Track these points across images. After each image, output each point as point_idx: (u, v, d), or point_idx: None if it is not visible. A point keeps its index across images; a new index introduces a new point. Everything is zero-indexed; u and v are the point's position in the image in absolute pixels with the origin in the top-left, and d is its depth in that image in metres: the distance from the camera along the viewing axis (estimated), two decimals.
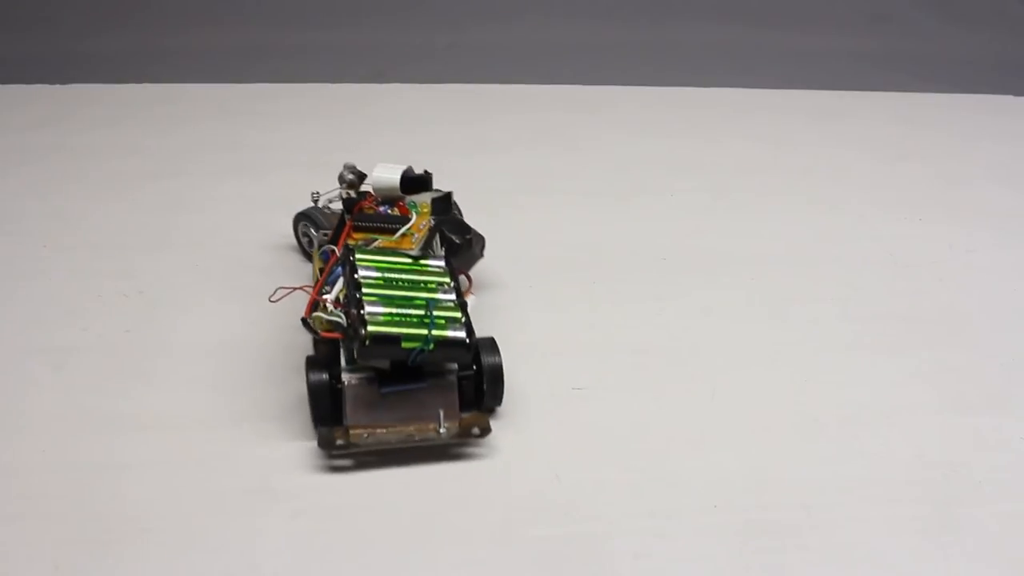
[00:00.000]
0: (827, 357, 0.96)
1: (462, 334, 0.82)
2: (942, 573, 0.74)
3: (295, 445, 0.84)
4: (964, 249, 1.15)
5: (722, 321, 1.01)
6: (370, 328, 0.80)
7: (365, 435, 0.81)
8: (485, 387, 0.85)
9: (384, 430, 0.82)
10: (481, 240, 1.01)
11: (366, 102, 1.51)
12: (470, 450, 0.83)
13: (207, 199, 1.21)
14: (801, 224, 1.19)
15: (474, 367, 0.86)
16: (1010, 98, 1.60)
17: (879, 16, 1.80)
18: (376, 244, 0.94)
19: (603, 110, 1.36)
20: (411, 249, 0.92)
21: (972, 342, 0.99)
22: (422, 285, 0.87)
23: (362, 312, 0.81)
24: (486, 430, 0.82)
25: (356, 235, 0.96)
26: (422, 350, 0.80)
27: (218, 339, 0.96)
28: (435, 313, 0.83)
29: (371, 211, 0.98)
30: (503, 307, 1.02)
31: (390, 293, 0.85)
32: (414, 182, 1.00)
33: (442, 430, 0.82)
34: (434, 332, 0.81)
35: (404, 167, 1.00)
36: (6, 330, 0.97)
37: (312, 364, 0.83)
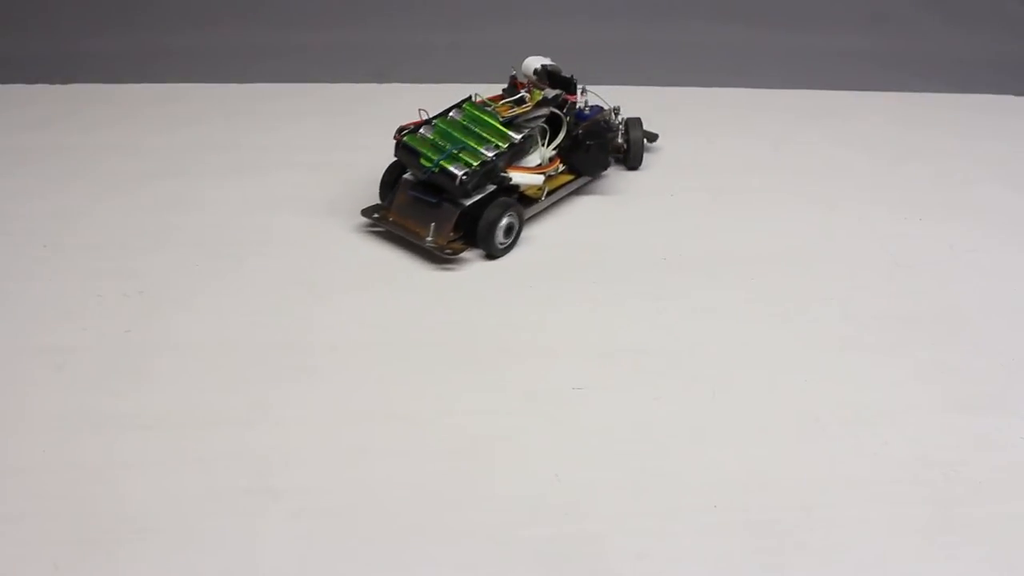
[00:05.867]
0: (827, 357, 0.96)
1: (459, 172, 1.05)
2: (942, 573, 0.74)
3: (297, 445, 0.84)
4: (964, 249, 1.15)
5: (722, 321, 1.01)
6: (405, 138, 1.10)
7: (390, 218, 1.11)
8: (478, 231, 1.08)
9: (400, 220, 1.10)
10: (603, 161, 1.23)
11: (366, 102, 1.51)
12: (470, 449, 0.83)
13: (207, 199, 1.21)
14: (801, 224, 1.19)
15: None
16: (1010, 98, 1.60)
17: (879, 16, 1.79)
18: (494, 107, 1.15)
19: None
20: (504, 115, 1.13)
21: (972, 342, 0.99)
22: (484, 139, 1.10)
23: (415, 132, 1.10)
24: (456, 252, 1.08)
25: (496, 99, 1.18)
26: (429, 170, 1.06)
27: (218, 339, 0.96)
28: (460, 155, 1.07)
29: (519, 89, 1.20)
30: (503, 307, 1.02)
31: (454, 132, 1.10)
32: (557, 79, 1.21)
33: (429, 238, 1.07)
34: (442, 162, 1.06)
35: (546, 62, 1.22)
36: (6, 330, 0.97)
37: (393, 167, 1.14)
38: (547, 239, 1.15)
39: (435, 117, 1.13)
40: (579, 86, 1.23)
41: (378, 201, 1.15)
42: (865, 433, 0.87)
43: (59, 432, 0.84)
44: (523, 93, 1.18)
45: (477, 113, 1.13)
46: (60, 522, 0.76)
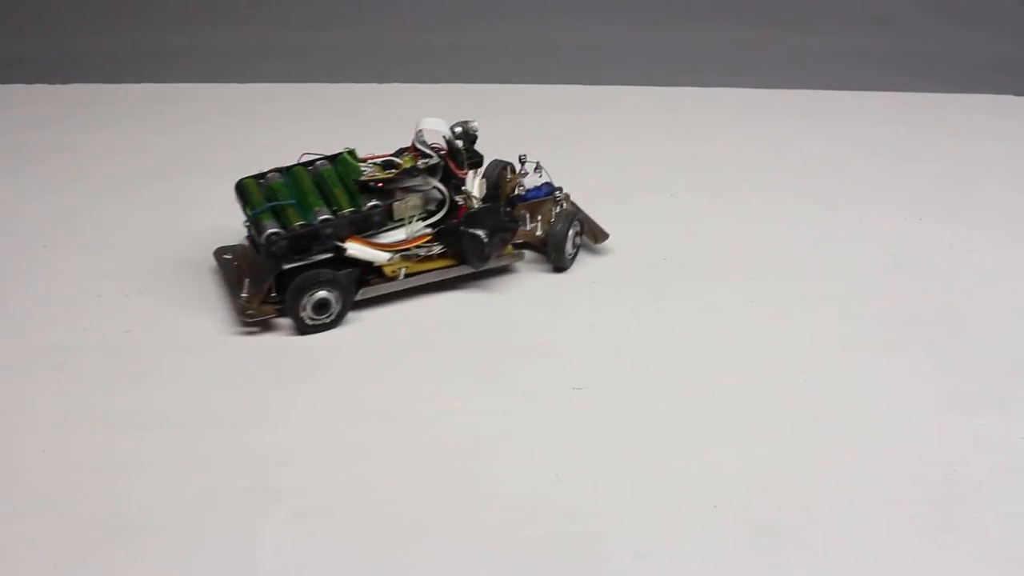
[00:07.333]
0: (827, 357, 0.96)
1: (269, 230, 0.95)
2: (942, 573, 0.74)
3: (296, 444, 0.84)
4: (964, 249, 1.15)
5: (722, 321, 1.01)
6: (244, 181, 1.02)
7: (235, 263, 1.03)
8: (285, 299, 0.96)
9: (243, 267, 1.01)
10: (481, 254, 1.01)
11: (366, 102, 1.51)
12: (470, 448, 0.83)
13: (207, 199, 1.21)
14: (801, 224, 1.19)
15: None
16: (1010, 98, 1.60)
17: (879, 16, 1.79)
18: (369, 163, 1.02)
19: (603, 110, 1.36)
20: (361, 178, 1.00)
21: (972, 342, 0.99)
22: (332, 199, 0.99)
23: (260, 176, 1.02)
24: (257, 316, 0.96)
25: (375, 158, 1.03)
26: (247, 218, 0.99)
27: (218, 339, 0.96)
28: (288, 211, 0.97)
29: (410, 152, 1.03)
30: (503, 307, 1.02)
31: (301, 184, 1.00)
32: (450, 149, 1.03)
33: (243, 294, 0.96)
34: (260, 215, 0.97)
35: (443, 129, 1.03)
36: (6, 330, 0.97)
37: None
38: None
39: (304, 163, 1.02)
40: (533, 162, 1.09)
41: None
42: (865, 433, 0.87)
43: (59, 432, 0.84)
44: (393, 158, 1.02)
45: (344, 169, 1.01)
46: (60, 522, 0.76)
